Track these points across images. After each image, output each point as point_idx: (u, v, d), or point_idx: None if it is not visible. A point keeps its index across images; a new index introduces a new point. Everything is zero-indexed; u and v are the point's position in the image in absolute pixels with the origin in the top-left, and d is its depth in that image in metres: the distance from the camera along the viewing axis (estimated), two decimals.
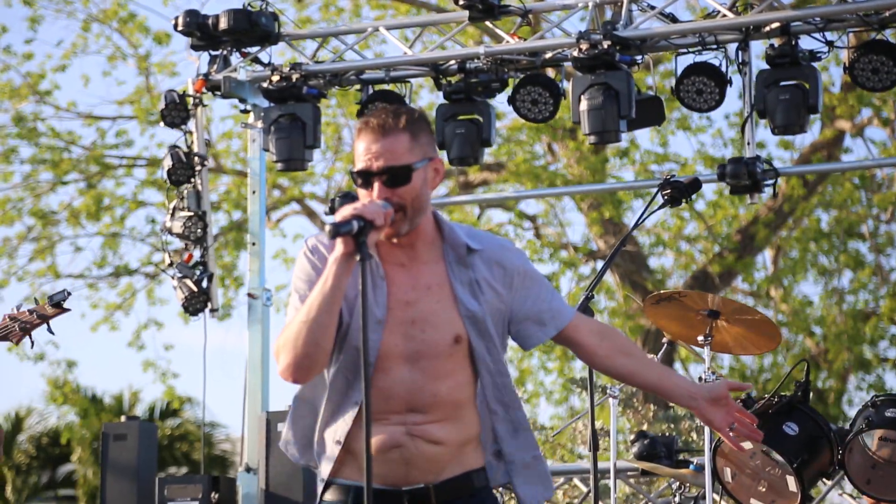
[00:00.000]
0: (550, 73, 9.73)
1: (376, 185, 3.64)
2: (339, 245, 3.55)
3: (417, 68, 9.38)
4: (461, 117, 9.15)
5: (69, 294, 5.19)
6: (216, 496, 8.52)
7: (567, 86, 8.84)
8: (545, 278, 3.93)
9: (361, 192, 3.68)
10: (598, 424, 6.55)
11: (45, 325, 5.21)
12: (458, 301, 3.75)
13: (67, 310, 5.22)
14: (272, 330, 9.37)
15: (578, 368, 17.93)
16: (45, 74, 17.67)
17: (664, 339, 6.89)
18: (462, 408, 3.79)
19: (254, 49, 9.55)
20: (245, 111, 9.67)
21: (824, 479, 6.67)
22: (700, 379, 6.49)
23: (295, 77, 9.25)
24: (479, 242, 3.81)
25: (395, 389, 3.73)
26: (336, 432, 3.80)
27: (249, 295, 9.36)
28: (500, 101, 9.19)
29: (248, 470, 8.84)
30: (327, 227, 3.54)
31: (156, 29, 17.80)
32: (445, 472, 3.79)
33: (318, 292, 3.61)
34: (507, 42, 9.07)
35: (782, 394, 6.36)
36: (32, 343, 5.26)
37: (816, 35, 8.49)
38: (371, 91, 9.40)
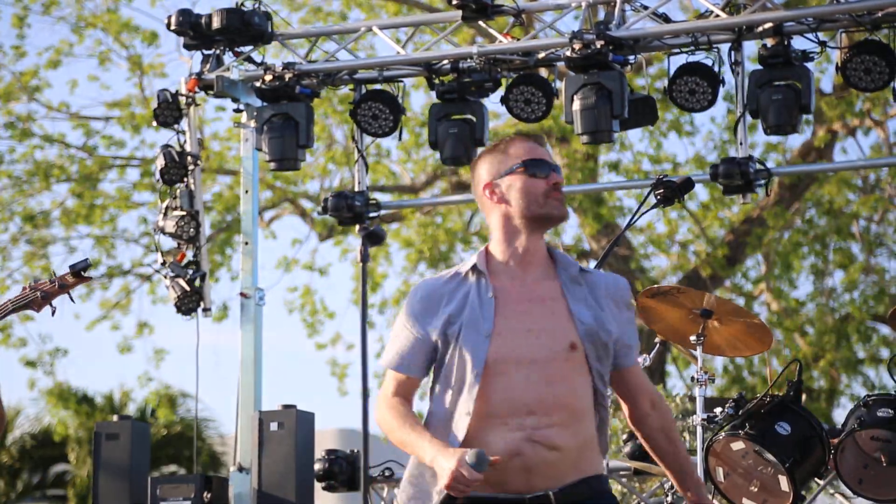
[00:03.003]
0: (543, 72, 9.74)
1: (552, 175, 4.01)
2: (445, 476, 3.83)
3: (410, 68, 9.38)
4: (454, 117, 9.15)
5: (90, 263, 5.20)
6: (209, 496, 8.52)
7: (560, 86, 8.84)
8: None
9: (528, 180, 4.00)
10: None
11: (66, 294, 5.23)
12: (573, 313, 3.95)
13: (89, 278, 5.24)
14: (265, 330, 9.38)
15: None
16: (36, 71, 17.65)
17: (656, 340, 6.90)
18: (579, 413, 3.91)
19: (247, 48, 9.54)
20: (238, 110, 9.66)
21: (816, 479, 6.68)
22: (693, 379, 6.50)
23: (288, 76, 9.25)
24: (588, 269, 4.09)
25: (514, 393, 3.88)
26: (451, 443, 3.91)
27: (242, 294, 9.35)
28: (493, 101, 9.20)
29: (241, 469, 8.84)
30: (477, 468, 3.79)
31: (145, 31, 17.81)
32: (565, 478, 3.88)
33: (406, 437, 3.99)
34: (500, 42, 9.07)
35: (774, 394, 6.37)
36: (54, 311, 5.28)
37: (809, 35, 8.50)
38: (364, 91, 9.40)
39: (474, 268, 3.99)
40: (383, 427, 4.05)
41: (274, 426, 8.44)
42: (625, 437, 8.52)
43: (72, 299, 5.32)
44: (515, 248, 3.99)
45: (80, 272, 5.19)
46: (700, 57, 8.70)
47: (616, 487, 8.95)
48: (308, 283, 18.06)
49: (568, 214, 4.08)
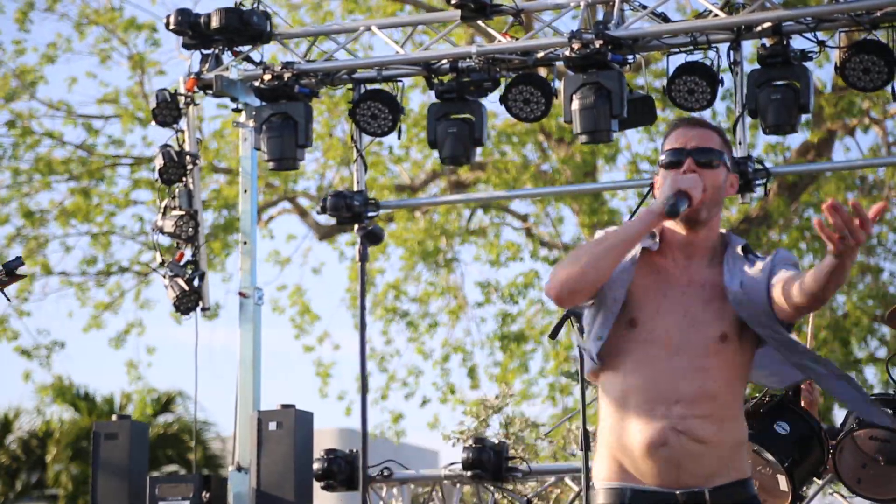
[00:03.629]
0: (542, 72, 9.74)
1: (687, 161, 3.84)
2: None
3: (409, 67, 9.38)
4: (453, 116, 9.15)
5: (22, 262, 5.15)
6: (207, 495, 8.51)
7: (559, 85, 8.84)
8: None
9: (668, 174, 3.86)
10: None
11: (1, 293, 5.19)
12: (728, 292, 3.80)
13: (21, 276, 5.19)
14: (264, 329, 9.38)
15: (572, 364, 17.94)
16: (34, 68, 17.66)
17: None
18: (728, 408, 3.79)
19: (245, 48, 9.54)
20: (237, 110, 9.66)
21: (815, 479, 6.68)
22: None
23: (287, 76, 9.24)
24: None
25: (661, 378, 3.77)
26: (604, 430, 3.85)
27: (241, 294, 9.35)
28: (492, 101, 9.20)
29: (240, 469, 8.84)
30: (669, 211, 3.75)
31: (145, 23, 17.82)
32: (717, 477, 3.77)
33: (620, 229, 3.80)
34: (499, 41, 9.07)
35: (773, 393, 6.37)
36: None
37: (808, 35, 8.50)
38: (363, 90, 9.40)
39: None
40: (573, 253, 3.84)
41: (273, 426, 8.44)
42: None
43: (7, 298, 5.27)
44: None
45: (12, 271, 5.16)
46: (699, 56, 8.70)
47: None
48: (299, 283, 18.08)
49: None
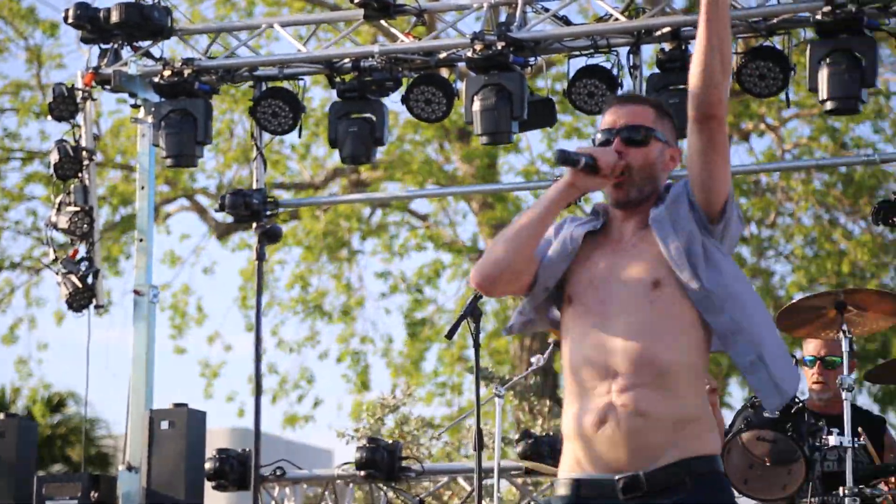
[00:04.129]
0: (445, 72, 9.74)
1: (615, 141, 3.71)
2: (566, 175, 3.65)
3: (311, 65, 9.33)
4: (354, 115, 9.11)
5: None
6: (96, 495, 8.39)
7: (461, 86, 8.85)
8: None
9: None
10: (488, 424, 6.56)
11: None
12: (654, 229, 3.63)
13: None
14: (158, 327, 9.27)
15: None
16: None
17: (550, 340, 6.92)
18: (672, 375, 3.51)
19: (145, 43, 9.42)
20: (135, 106, 9.54)
21: None
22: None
23: (186, 72, 9.15)
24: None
25: (600, 349, 3.56)
26: (563, 417, 3.68)
27: (135, 292, 9.24)
28: (393, 101, 9.19)
29: (130, 468, 8.72)
30: (555, 152, 3.63)
31: (44, 21, 17.56)
32: (660, 458, 3.48)
33: (530, 208, 3.69)
34: (402, 41, 9.06)
35: None
36: None
37: None
38: (264, 88, 9.33)
39: None
40: (491, 243, 3.72)
41: (165, 425, 8.35)
42: (517, 436, 8.56)
43: None
44: None
45: None
46: (600, 60, 8.75)
47: (508, 488, 8.97)
48: (188, 282, 17.97)
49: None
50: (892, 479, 6.35)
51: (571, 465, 3.61)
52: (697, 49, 3.61)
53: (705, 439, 3.56)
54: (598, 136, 3.76)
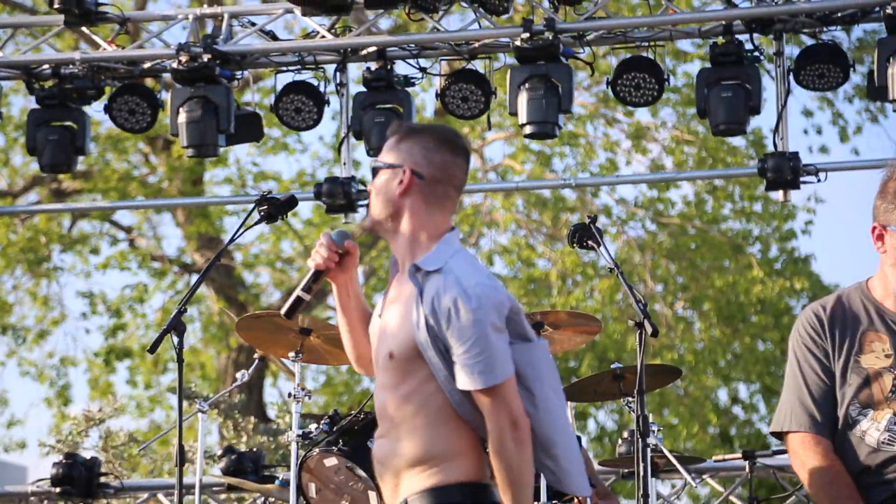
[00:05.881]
0: (150, 83, 9.60)
1: (369, 185, 3.95)
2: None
3: (8, 70, 9.05)
4: (54, 123, 8.89)
5: None
6: None
7: (166, 97, 8.75)
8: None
9: None
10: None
11: None
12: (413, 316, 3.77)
13: None
14: None
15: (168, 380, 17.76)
16: None
17: (256, 355, 6.93)
18: (403, 426, 3.76)
19: None
20: None
21: None
22: (290, 395, 6.53)
23: None
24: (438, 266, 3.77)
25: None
26: None
27: None
28: (96, 109, 8.99)
29: None
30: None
31: None
32: (397, 500, 3.78)
33: None
34: (105, 49, 8.89)
35: (368, 411, 6.50)
36: None
37: (411, 61, 8.76)
38: None
39: None
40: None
41: None
42: (219, 452, 8.50)
43: None
44: None
45: None
46: (308, 76, 8.81)
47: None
48: None
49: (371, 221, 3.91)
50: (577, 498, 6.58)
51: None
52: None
53: (432, 476, 3.77)
54: None
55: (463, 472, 3.72)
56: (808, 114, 16.56)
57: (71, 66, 8.84)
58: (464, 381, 3.66)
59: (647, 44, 8.51)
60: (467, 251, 3.87)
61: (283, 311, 4.00)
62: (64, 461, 8.44)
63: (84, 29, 9.04)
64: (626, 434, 8.53)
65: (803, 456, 4.02)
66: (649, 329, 5.59)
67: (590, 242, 6.12)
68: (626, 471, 8.27)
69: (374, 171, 3.86)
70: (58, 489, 8.45)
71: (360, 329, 4.00)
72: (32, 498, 8.78)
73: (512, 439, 3.63)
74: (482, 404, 3.65)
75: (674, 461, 6.58)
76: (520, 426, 3.64)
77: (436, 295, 3.68)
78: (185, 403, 6.83)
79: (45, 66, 8.91)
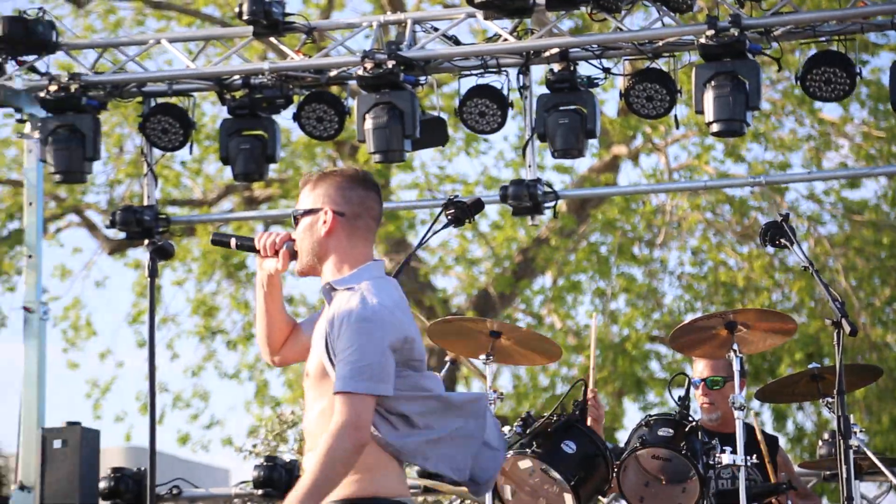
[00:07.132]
0: (336, 90, 9.76)
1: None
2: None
3: (201, 82, 9.29)
4: (245, 132, 9.10)
5: None
6: None
7: (352, 104, 8.88)
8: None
9: None
10: None
11: None
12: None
13: None
14: (49, 344, 9.16)
15: None
16: None
17: (447, 357, 6.99)
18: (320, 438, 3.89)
19: (30, 57, 9.31)
20: (21, 121, 9.42)
21: (600, 497, 6.84)
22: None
23: (73, 87, 9.06)
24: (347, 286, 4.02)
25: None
26: None
27: (25, 308, 9.12)
28: (285, 118, 9.18)
29: (23, 488, 8.61)
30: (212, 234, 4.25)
31: None
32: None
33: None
34: (292, 58, 9.06)
35: (560, 413, 6.49)
36: None
37: (594, 62, 8.72)
38: (153, 104, 9.27)
39: None
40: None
41: (58, 444, 8.27)
42: None
43: None
44: None
45: None
46: (490, 79, 8.84)
47: None
48: (79, 296, 17.70)
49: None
50: (777, 498, 6.48)
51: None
52: None
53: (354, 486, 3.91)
54: None
55: (380, 487, 3.90)
56: None
57: (260, 76, 9.04)
58: (335, 384, 3.85)
59: (836, 38, 8.33)
60: (389, 280, 4.08)
61: (212, 235, 4.27)
62: (265, 464, 8.63)
63: (272, 39, 9.23)
64: (826, 436, 8.36)
65: None
66: (847, 328, 5.48)
67: (783, 241, 6.02)
68: (828, 473, 8.10)
69: (296, 221, 4.11)
70: (259, 491, 8.64)
71: (280, 317, 4.22)
72: (236, 500, 8.98)
73: (348, 437, 3.77)
74: (335, 406, 3.81)
75: (878, 463, 6.42)
76: (359, 438, 3.78)
77: (338, 307, 3.92)
78: None
79: (236, 77, 9.13)
